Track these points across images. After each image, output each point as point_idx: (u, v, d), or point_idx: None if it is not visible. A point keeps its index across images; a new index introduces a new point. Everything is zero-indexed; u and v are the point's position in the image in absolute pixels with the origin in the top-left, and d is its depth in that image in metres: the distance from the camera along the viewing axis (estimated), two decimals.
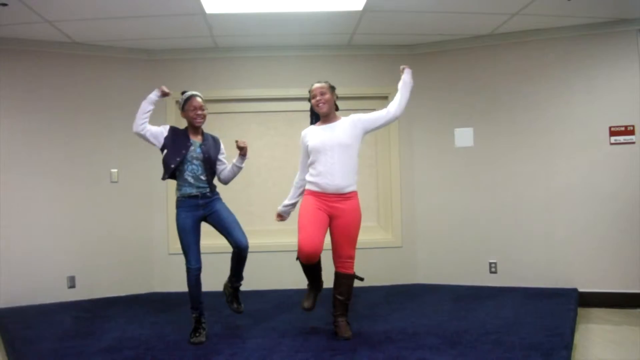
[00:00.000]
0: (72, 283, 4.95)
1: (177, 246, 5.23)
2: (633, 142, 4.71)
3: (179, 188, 3.62)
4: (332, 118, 3.67)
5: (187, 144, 3.57)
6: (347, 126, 3.61)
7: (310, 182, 3.60)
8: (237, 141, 3.66)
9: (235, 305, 3.77)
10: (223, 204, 3.68)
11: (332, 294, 3.63)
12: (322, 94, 3.61)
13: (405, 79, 3.73)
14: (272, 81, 5.35)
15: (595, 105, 4.82)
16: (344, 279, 3.59)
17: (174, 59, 5.36)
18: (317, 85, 3.65)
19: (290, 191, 3.77)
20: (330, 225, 3.59)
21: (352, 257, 3.61)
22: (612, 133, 4.76)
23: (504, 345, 3.33)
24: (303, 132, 3.72)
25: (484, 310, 4.23)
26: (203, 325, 3.61)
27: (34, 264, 4.79)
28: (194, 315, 3.62)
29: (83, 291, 4.96)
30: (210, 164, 3.63)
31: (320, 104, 3.61)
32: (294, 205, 3.79)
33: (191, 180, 3.56)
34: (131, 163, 5.24)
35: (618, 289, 4.69)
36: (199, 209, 3.59)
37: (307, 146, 3.62)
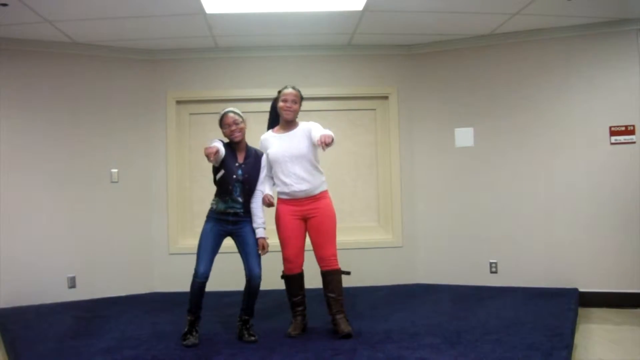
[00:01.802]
0: (72, 283, 4.95)
1: (177, 246, 5.29)
2: (633, 142, 4.71)
3: (215, 202, 3.61)
4: (292, 126, 3.70)
5: (235, 165, 3.57)
6: (302, 135, 3.64)
7: (280, 192, 3.68)
8: (261, 247, 3.62)
9: (246, 336, 3.56)
10: (252, 226, 3.64)
11: (324, 295, 3.66)
12: (294, 102, 3.66)
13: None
14: (272, 81, 5.33)
15: (596, 105, 4.82)
16: (331, 275, 3.62)
17: (174, 59, 5.36)
18: (291, 90, 3.68)
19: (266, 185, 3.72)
20: (307, 226, 3.66)
21: (334, 255, 3.64)
22: (613, 133, 4.76)
23: (504, 345, 3.33)
24: (262, 138, 3.76)
25: (485, 310, 4.23)
26: (197, 328, 3.57)
27: (34, 264, 4.78)
28: (189, 317, 3.57)
29: (83, 291, 4.96)
30: (249, 185, 3.60)
31: (290, 111, 3.65)
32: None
33: (238, 199, 3.57)
34: (131, 163, 5.24)
35: (619, 289, 4.69)
36: (228, 224, 3.59)
37: (267, 154, 3.66)
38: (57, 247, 4.90)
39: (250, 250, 3.59)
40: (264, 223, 3.64)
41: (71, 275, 4.95)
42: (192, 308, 3.56)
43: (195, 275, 3.54)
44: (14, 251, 4.72)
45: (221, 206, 3.57)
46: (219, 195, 3.61)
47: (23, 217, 4.79)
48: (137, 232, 5.24)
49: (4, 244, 4.69)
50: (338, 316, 3.61)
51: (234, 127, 3.56)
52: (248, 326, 3.61)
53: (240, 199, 3.58)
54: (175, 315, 4.26)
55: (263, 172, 3.69)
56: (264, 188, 3.69)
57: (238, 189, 3.57)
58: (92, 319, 4.23)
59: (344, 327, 3.56)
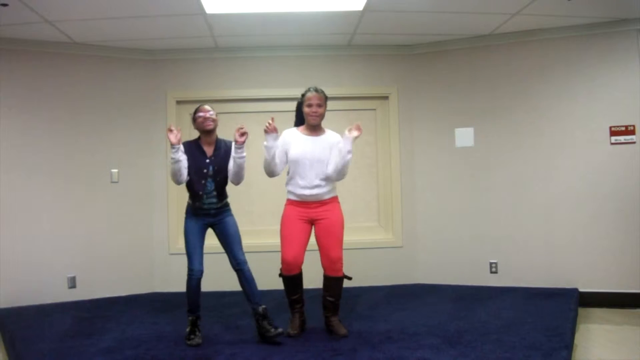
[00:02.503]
0: (72, 283, 4.95)
1: (177, 246, 5.28)
2: (633, 142, 4.70)
3: (191, 198, 3.64)
4: (319, 130, 3.70)
5: (205, 161, 3.56)
6: (327, 144, 3.64)
7: (290, 192, 3.67)
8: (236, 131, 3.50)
9: (272, 331, 3.46)
10: (232, 218, 3.68)
11: (323, 296, 3.68)
12: (319, 105, 3.62)
13: (341, 148, 3.53)
14: (273, 81, 5.35)
15: (596, 105, 4.82)
16: (335, 281, 3.64)
17: (174, 59, 5.36)
18: (315, 94, 3.62)
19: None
20: (315, 230, 3.65)
21: (341, 259, 3.63)
22: (613, 133, 4.76)
23: (504, 345, 3.33)
24: (286, 132, 3.70)
25: (485, 310, 4.23)
26: (199, 327, 3.59)
27: (34, 264, 4.78)
28: (190, 317, 3.58)
29: (83, 291, 4.96)
30: (220, 176, 3.60)
31: (315, 116, 3.62)
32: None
33: (213, 193, 3.59)
34: (131, 163, 5.24)
35: (619, 289, 4.69)
36: (208, 217, 3.62)
37: (288, 150, 3.63)
38: (57, 247, 4.90)
39: (232, 239, 3.62)
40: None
41: (71, 275, 4.95)
42: (192, 307, 3.59)
43: (192, 273, 3.56)
44: (14, 251, 4.72)
45: (203, 204, 3.58)
46: (192, 198, 3.61)
47: (23, 217, 4.79)
48: (137, 232, 5.24)
49: (4, 244, 4.69)
50: (333, 319, 3.66)
51: (207, 115, 3.54)
52: (269, 320, 3.51)
53: (214, 193, 3.59)
54: (175, 315, 4.26)
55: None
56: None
57: (212, 184, 3.57)
58: (92, 319, 4.23)
59: (340, 329, 3.61)
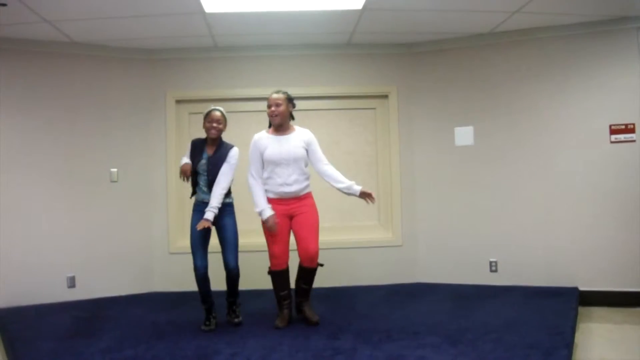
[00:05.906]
0: (72, 283, 4.94)
1: (177, 246, 5.29)
2: (633, 141, 4.70)
3: (196, 193, 3.96)
4: (286, 129, 3.89)
5: (200, 156, 3.89)
6: (299, 141, 3.85)
7: (269, 191, 3.85)
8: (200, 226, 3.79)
9: (231, 317, 3.95)
10: (231, 220, 3.91)
11: (296, 283, 3.97)
12: (277, 105, 3.81)
13: (352, 189, 3.86)
14: (272, 80, 5.33)
15: (595, 103, 4.81)
16: (310, 271, 3.90)
17: (174, 58, 5.36)
18: (274, 95, 3.84)
19: (258, 198, 3.83)
20: (292, 223, 3.88)
21: (317, 252, 3.85)
22: (612, 131, 4.75)
23: (504, 344, 3.33)
24: (256, 137, 3.88)
25: (485, 309, 4.23)
26: (214, 314, 3.89)
27: (34, 264, 4.78)
28: (204, 307, 3.89)
29: (83, 291, 4.96)
30: (212, 177, 3.84)
31: (274, 116, 3.82)
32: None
33: (204, 188, 3.88)
34: (131, 163, 5.23)
35: (619, 288, 4.68)
36: None
37: (262, 154, 3.82)
38: (56, 247, 4.90)
39: (228, 243, 3.89)
40: (215, 208, 3.77)
41: (71, 275, 4.95)
42: (203, 298, 3.88)
43: (196, 269, 3.85)
44: (13, 251, 4.71)
45: (200, 196, 3.91)
46: (198, 186, 3.93)
47: (23, 217, 4.79)
48: (137, 231, 5.24)
49: (3, 244, 4.69)
50: (305, 305, 3.93)
51: (214, 125, 3.86)
52: (235, 307, 3.95)
53: (206, 189, 3.87)
54: (175, 315, 4.27)
55: (228, 166, 3.84)
56: (260, 201, 3.84)
57: (206, 181, 3.86)
58: (92, 319, 4.23)
59: (311, 316, 3.88)
